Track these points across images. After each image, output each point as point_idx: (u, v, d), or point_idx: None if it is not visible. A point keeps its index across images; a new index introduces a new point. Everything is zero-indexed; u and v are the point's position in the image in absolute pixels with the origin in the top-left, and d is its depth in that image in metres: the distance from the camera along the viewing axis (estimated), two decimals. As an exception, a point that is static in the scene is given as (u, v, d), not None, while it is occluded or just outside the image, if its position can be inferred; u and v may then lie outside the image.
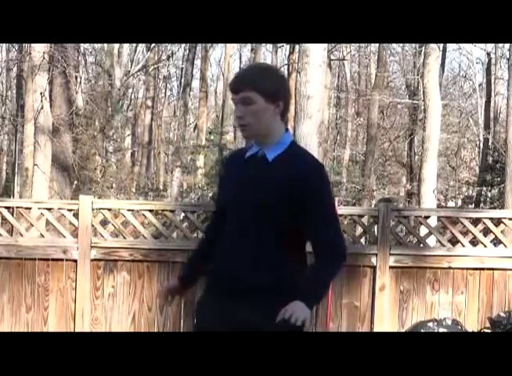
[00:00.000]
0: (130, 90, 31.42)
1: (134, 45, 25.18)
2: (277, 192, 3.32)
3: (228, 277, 3.35)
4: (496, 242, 7.73)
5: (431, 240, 8.17)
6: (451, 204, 30.29)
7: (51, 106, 15.09)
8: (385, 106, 28.73)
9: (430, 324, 7.34)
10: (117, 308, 7.46)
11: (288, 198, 3.31)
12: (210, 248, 3.50)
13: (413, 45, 24.08)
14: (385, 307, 7.51)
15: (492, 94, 28.33)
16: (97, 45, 23.51)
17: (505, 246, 7.63)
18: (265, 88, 3.37)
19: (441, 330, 7.24)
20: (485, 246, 7.61)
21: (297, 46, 17.49)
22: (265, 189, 3.34)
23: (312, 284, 3.27)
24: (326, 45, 11.73)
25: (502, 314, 7.42)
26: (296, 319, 3.10)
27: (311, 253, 3.36)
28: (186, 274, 3.66)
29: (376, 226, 7.63)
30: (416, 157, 26.76)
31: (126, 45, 23.54)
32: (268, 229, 3.33)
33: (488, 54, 28.45)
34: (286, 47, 27.84)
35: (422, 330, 7.29)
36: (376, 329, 7.46)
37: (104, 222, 7.65)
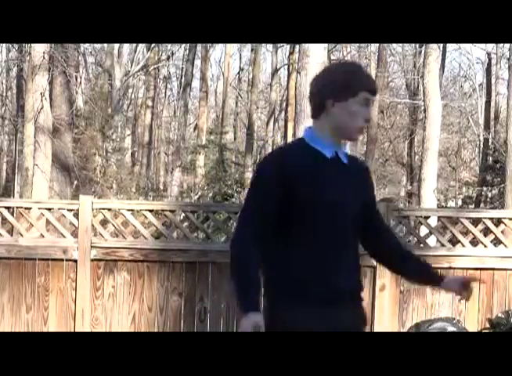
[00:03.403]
0: (130, 90, 31.45)
1: (134, 45, 25.18)
2: (366, 195, 3.41)
3: (335, 286, 3.27)
4: (496, 242, 7.73)
5: (431, 240, 8.16)
6: (451, 204, 30.29)
7: (51, 106, 15.10)
8: (385, 106, 28.75)
9: (430, 324, 7.34)
10: (117, 308, 7.46)
11: (369, 200, 3.46)
12: (258, 268, 3.34)
13: (413, 45, 24.10)
14: (385, 307, 7.51)
15: (492, 94, 28.34)
16: (97, 45, 23.52)
17: (505, 246, 7.63)
18: None
19: (441, 330, 7.24)
20: (485, 246, 7.61)
21: (297, 46, 17.48)
22: (359, 193, 3.36)
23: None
24: (326, 44, 11.74)
25: (501, 315, 7.42)
26: None
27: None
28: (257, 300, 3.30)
29: (376, 226, 7.62)
30: (416, 157, 26.78)
31: (126, 45, 23.55)
32: (356, 233, 3.40)
33: (489, 54, 28.45)
34: (287, 47, 27.86)
35: (422, 330, 7.28)
36: (376, 329, 7.46)
37: (104, 222, 7.65)
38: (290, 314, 3.25)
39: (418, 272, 3.53)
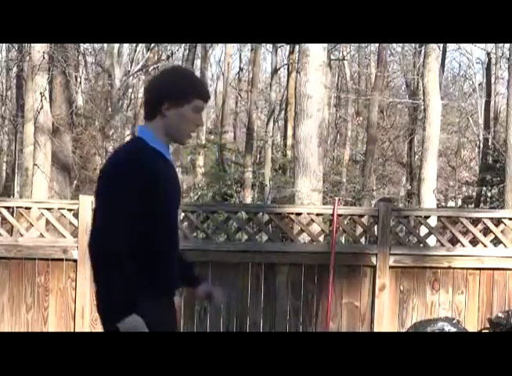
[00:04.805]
0: (130, 90, 31.41)
1: (134, 45, 25.17)
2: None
3: (173, 281, 3.60)
4: (496, 242, 7.73)
5: (431, 240, 8.17)
6: (451, 203, 30.29)
7: (51, 106, 15.09)
8: (385, 106, 28.73)
9: (430, 324, 7.34)
10: (117, 308, 7.44)
11: None
12: None
13: (413, 44, 24.08)
14: (385, 307, 7.51)
15: (492, 94, 28.31)
16: (97, 45, 23.52)
17: (505, 246, 7.63)
18: None
19: (441, 330, 7.24)
20: (485, 246, 7.62)
21: (297, 46, 17.48)
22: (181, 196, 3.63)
23: None
24: (326, 45, 11.74)
25: (501, 315, 7.42)
26: None
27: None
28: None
29: (376, 226, 7.63)
30: (416, 156, 26.76)
31: (126, 45, 23.52)
32: None
33: (488, 54, 28.43)
34: (286, 47, 27.83)
35: (422, 330, 7.29)
36: (376, 329, 7.46)
37: (104, 222, 7.62)
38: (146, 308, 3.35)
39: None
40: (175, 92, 3.44)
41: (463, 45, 27.40)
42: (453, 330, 7.24)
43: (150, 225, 3.37)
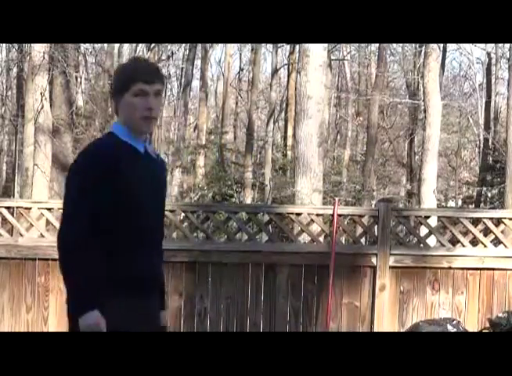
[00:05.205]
0: (130, 90, 31.37)
1: (134, 44, 25.16)
2: (164, 193, 3.68)
3: (141, 281, 3.55)
4: (496, 242, 7.73)
5: (431, 240, 8.16)
6: (451, 204, 30.29)
7: (51, 106, 15.10)
8: (385, 106, 28.74)
9: (430, 324, 7.34)
10: (117, 308, 7.44)
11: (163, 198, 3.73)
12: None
13: (413, 44, 24.08)
14: (385, 307, 7.51)
15: (492, 94, 28.32)
16: (97, 45, 23.51)
17: (505, 246, 7.63)
18: (164, 84, 3.57)
19: (441, 330, 7.24)
20: (485, 246, 7.61)
21: (297, 46, 17.49)
22: (163, 190, 3.63)
23: None
24: (326, 44, 11.73)
25: (501, 315, 7.42)
26: None
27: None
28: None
29: (376, 226, 7.63)
30: (416, 157, 26.76)
31: (126, 45, 23.53)
32: (161, 230, 3.73)
33: (489, 54, 28.44)
34: (287, 47, 27.85)
35: (421, 331, 7.28)
36: (376, 329, 7.46)
37: (104, 222, 7.63)
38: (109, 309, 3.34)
39: None
40: (116, 85, 3.52)
41: (463, 45, 27.39)
42: (453, 330, 7.24)
43: (112, 221, 3.37)
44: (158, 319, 3.59)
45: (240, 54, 36.48)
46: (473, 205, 25.61)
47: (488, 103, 28.12)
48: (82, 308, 3.27)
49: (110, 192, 3.34)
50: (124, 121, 3.46)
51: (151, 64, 3.60)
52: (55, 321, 7.43)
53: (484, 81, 29.50)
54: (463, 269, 7.58)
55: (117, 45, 23.30)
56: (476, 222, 7.73)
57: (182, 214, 7.88)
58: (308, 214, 7.64)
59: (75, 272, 3.29)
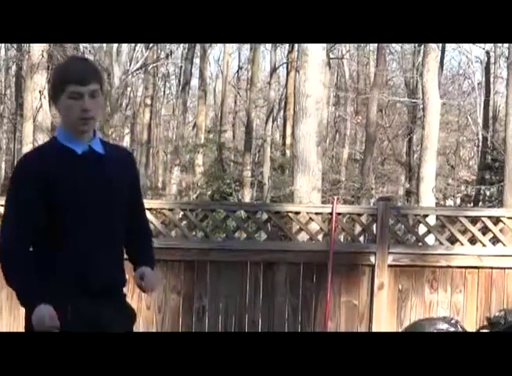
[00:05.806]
0: (129, 89, 31.40)
1: (132, 44, 25.15)
2: (123, 189, 3.48)
3: (95, 285, 3.46)
4: (495, 241, 7.74)
5: (430, 239, 8.17)
6: (450, 202, 30.30)
7: (49, 105, 15.09)
8: (384, 105, 28.78)
9: (429, 323, 7.35)
10: (117, 306, 7.45)
11: (128, 195, 3.52)
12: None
13: (412, 44, 24.09)
14: (384, 306, 7.52)
15: (491, 93, 28.35)
16: (96, 45, 23.51)
17: (503, 244, 7.63)
18: (102, 82, 3.49)
19: (440, 328, 7.25)
20: (484, 245, 7.62)
21: (296, 45, 17.49)
22: (120, 185, 3.46)
23: None
24: (325, 44, 11.74)
25: (499, 313, 7.43)
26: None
27: None
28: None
29: (374, 225, 7.64)
30: (415, 155, 26.80)
31: (125, 44, 23.53)
32: (122, 226, 3.50)
33: (487, 53, 28.44)
34: (285, 46, 27.85)
35: (420, 329, 7.29)
36: (375, 328, 7.46)
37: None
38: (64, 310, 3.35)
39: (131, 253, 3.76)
40: (51, 90, 3.51)
41: (462, 44, 27.41)
42: (452, 329, 7.25)
43: (50, 225, 3.35)
44: (117, 322, 3.47)
45: (239, 53, 36.51)
46: (471, 204, 25.62)
47: (486, 102, 28.14)
48: (32, 304, 3.29)
49: (37, 196, 3.33)
50: (64, 124, 3.44)
51: (87, 64, 3.49)
52: (55, 320, 7.43)
53: (483, 79, 29.53)
54: (461, 267, 7.59)
55: (115, 44, 23.28)
56: (474, 220, 7.73)
57: (181, 212, 7.88)
58: (307, 212, 7.65)
59: (13, 277, 3.33)
